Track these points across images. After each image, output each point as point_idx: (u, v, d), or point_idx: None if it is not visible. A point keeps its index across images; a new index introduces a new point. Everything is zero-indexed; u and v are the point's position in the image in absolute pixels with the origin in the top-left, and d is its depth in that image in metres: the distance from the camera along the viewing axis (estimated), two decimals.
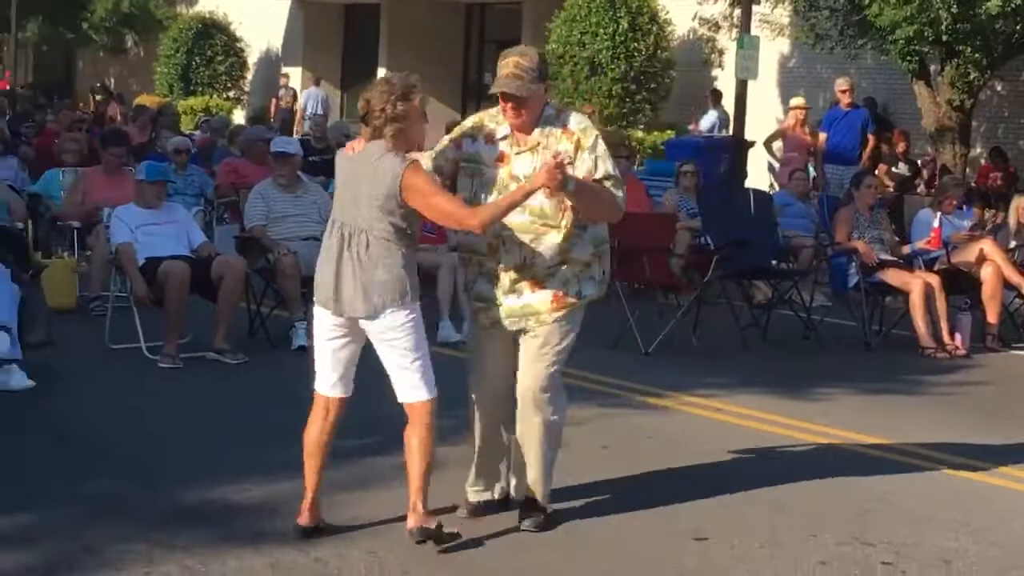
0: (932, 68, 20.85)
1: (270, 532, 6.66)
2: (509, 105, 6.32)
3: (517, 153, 6.43)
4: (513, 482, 6.96)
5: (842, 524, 7.16)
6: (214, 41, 34.79)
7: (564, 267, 6.46)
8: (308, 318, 11.24)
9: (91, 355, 10.72)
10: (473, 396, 6.80)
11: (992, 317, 12.83)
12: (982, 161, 23.09)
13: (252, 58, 35.70)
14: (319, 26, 34.92)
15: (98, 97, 32.56)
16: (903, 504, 7.62)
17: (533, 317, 6.50)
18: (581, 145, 6.36)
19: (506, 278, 6.49)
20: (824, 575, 6.42)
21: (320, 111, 28.52)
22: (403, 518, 6.49)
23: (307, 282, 11.35)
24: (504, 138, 6.46)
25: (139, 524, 6.70)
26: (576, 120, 6.47)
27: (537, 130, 6.41)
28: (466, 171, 6.54)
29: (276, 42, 35.96)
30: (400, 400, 6.34)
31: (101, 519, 6.79)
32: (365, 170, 6.19)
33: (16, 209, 12.36)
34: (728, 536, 6.86)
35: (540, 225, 6.39)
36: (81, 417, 9.02)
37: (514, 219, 6.34)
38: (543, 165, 6.17)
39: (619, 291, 11.78)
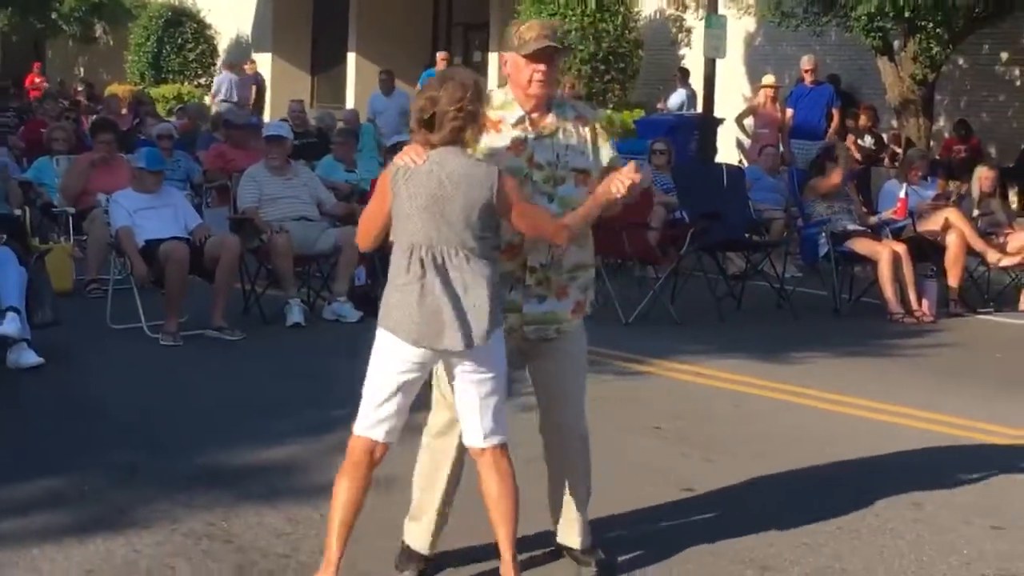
0: (895, 44, 21.30)
1: (284, 490, 7.10)
2: (543, 70, 5.65)
3: (536, 138, 5.75)
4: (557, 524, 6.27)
5: (814, 471, 7.67)
6: (184, 29, 34.94)
7: (582, 272, 5.91)
8: (300, 295, 11.88)
9: (95, 335, 11.13)
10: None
11: (953, 282, 13.36)
12: (946, 134, 23.57)
13: (222, 45, 35.92)
14: (288, 11, 35.16)
15: (80, 88, 32.75)
16: (871, 452, 8.14)
17: (555, 326, 5.87)
18: (600, 135, 5.87)
19: (531, 279, 5.78)
20: (806, 520, 6.87)
21: (234, 97, 28.64)
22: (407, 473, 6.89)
23: (299, 261, 11.86)
24: (517, 123, 5.75)
25: (160, 487, 7.11)
26: (584, 107, 6.04)
27: (552, 113, 5.80)
28: None
29: (246, 28, 36.19)
30: (471, 444, 5.62)
31: (124, 484, 7.22)
32: (452, 181, 5.40)
33: (13, 196, 12.76)
34: (713, 489, 7.33)
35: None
36: (91, 392, 9.46)
37: None
38: (624, 175, 5.60)
39: (599, 265, 12.25)
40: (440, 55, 28.13)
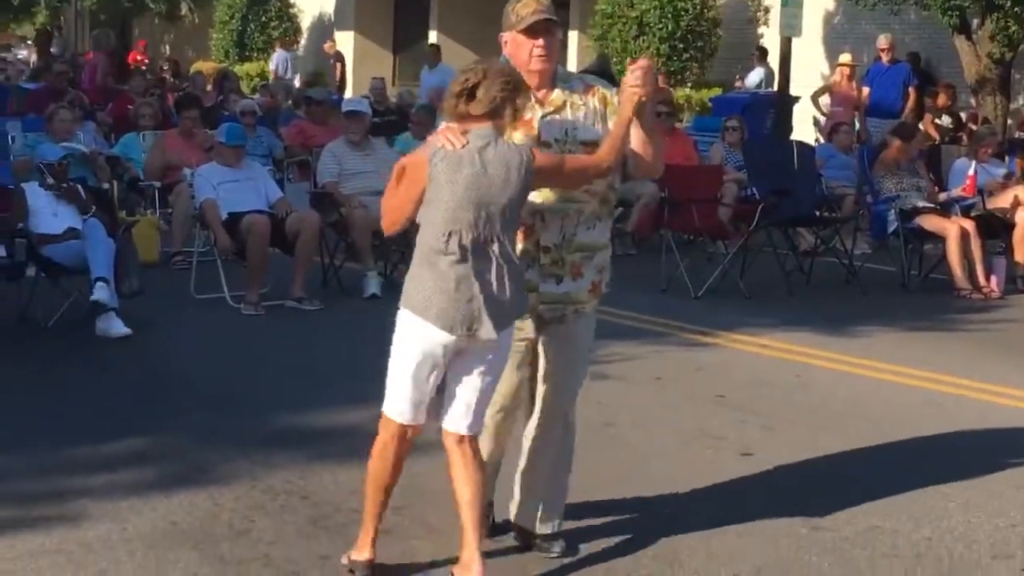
0: (974, 22, 21.31)
1: (357, 451, 7.31)
2: (542, 44, 5.61)
3: (543, 116, 5.66)
4: (516, 502, 6.20)
5: (870, 437, 7.94)
6: (268, 7, 35.33)
7: (596, 252, 5.81)
8: (378, 269, 12.20)
9: (179, 304, 11.54)
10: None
11: (1021, 258, 13.44)
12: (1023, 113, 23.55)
13: (305, 23, 36.32)
14: None
15: (165, 67, 33.25)
16: (927, 421, 8.36)
17: (572, 306, 5.79)
18: (610, 102, 5.77)
19: (546, 259, 5.69)
20: (856, 485, 7.11)
21: (288, 74, 28.96)
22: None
23: (376, 235, 12.18)
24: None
25: (239, 447, 7.48)
26: (593, 79, 5.98)
27: (557, 89, 5.73)
28: None
29: (328, 7, 36.58)
30: (452, 429, 5.60)
31: (205, 443, 7.59)
32: (493, 165, 5.33)
33: (101, 170, 13.20)
34: (771, 454, 7.58)
35: (583, 191, 5.70)
36: (176, 359, 9.86)
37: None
38: (630, 72, 5.57)
39: (670, 240, 12.56)
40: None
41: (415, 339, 5.44)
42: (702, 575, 5.86)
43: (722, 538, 6.25)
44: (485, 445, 5.80)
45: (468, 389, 5.54)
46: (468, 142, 5.34)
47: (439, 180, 5.31)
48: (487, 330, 5.34)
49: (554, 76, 5.73)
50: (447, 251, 5.29)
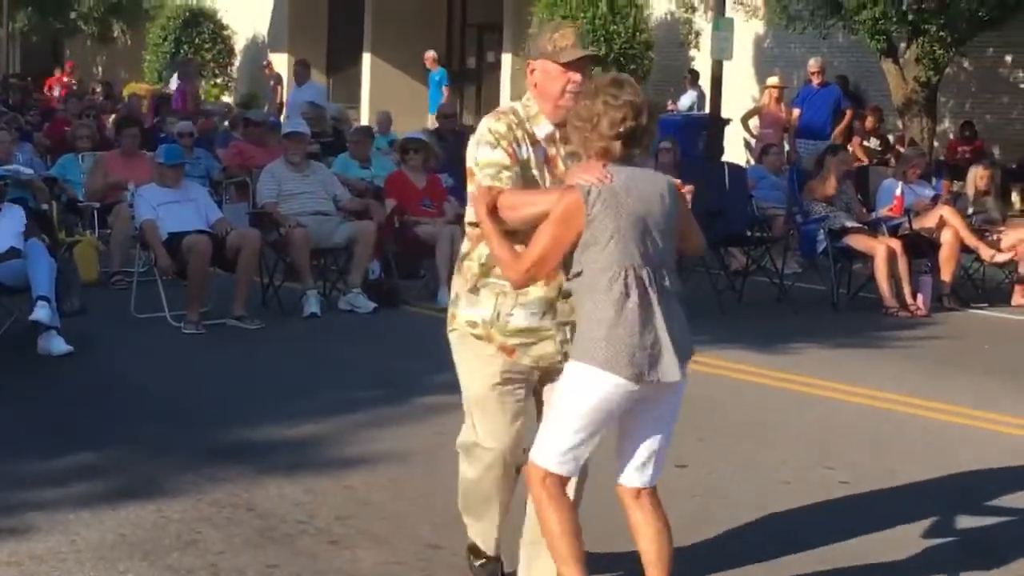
0: (901, 46, 21.70)
1: (302, 464, 7.59)
2: (579, 80, 5.24)
3: (568, 155, 5.35)
4: (523, 561, 5.80)
5: (807, 452, 8.17)
6: (201, 29, 35.42)
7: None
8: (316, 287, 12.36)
9: (120, 323, 11.64)
10: (483, 460, 5.61)
11: (947, 277, 13.77)
12: (951, 136, 24.00)
13: (239, 45, 36.42)
14: (304, 12, 35.64)
15: (98, 88, 33.19)
16: (858, 436, 8.63)
17: (569, 347, 5.27)
18: None
19: (565, 306, 5.32)
20: (789, 493, 7.34)
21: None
22: (425, 446, 7.41)
23: (315, 254, 12.37)
24: (548, 138, 5.35)
25: (186, 461, 7.60)
26: None
27: None
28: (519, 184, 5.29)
29: (262, 28, 36.70)
30: (630, 484, 5.25)
31: (151, 458, 7.71)
32: (651, 196, 5.01)
33: (40, 191, 13.26)
34: (705, 463, 7.81)
35: None
36: (120, 376, 9.98)
37: None
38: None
39: None
40: (429, 55, 28.57)
41: (597, 394, 4.98)
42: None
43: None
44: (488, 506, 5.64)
45: (651, 440, 5.19)
46: (613, 176, 4.97)
47: (599, 218, 4.94)
48: (673, 372, 4.97)
49: None
50: (619, 293, 4.92)
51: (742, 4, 23.67)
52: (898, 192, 14.10)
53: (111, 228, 13.85)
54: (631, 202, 4.95)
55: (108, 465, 7.56)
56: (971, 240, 13.87)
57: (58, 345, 10.21)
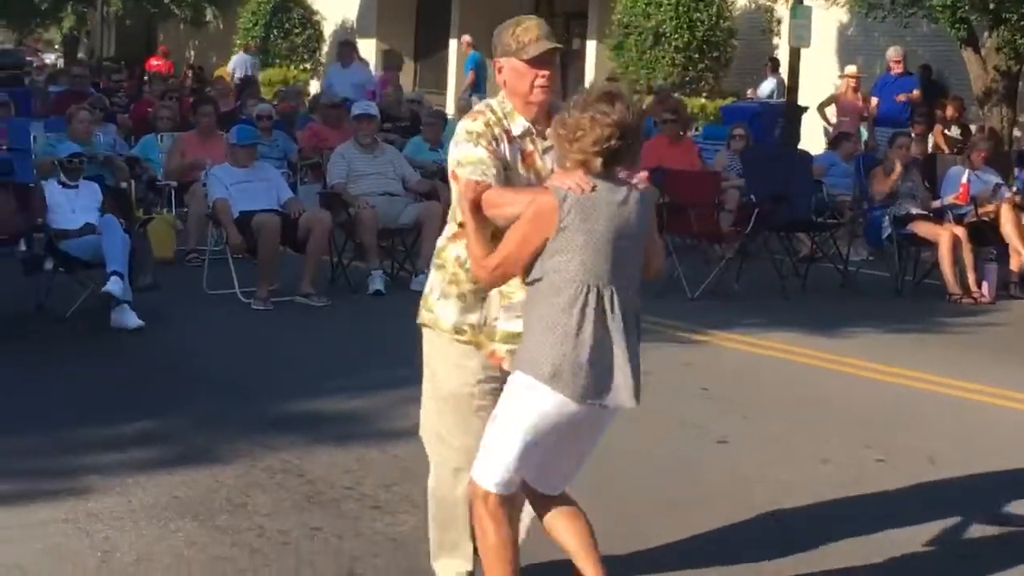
0: (983, 35, 21.59)
1: (354, 435, 7.86)
2: (546, 75, 5.16)
3: (545, 150, 5.23)
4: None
5: (849, 432, 8.31)
6: (291, 14, 35.77)
7: None
8: (383, 267, 12.62)
9: (191, 299, 11.98)
10: (451, 463, 5.50)
11: (1015, 266, 13.77)
12: None
13: (328, 30, 36.76)
14: None
15: (189, 72, 33.68)
16: (901, 417, 8.75)
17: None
18: None
19: (510, 289, 5.20)
20: (827, 473, 7.50)
21: (249, 73, 29.33)
22: None
23: (383, 234, 12.63)
24: (523, 134, 5.23)
25: (242, 431, 7.91)
26: None
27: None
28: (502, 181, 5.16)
29: (351, 14, 37.05)
30: (546, 491, 5.13)
31: (210, 427, 8.03)
32: (630, 211, 4.85)
33: (119, 171, 13.67)
34: (747, 439, 7.98)
35: None
36: (186, 349, 10.32)
37: None
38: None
39: (668, 243, 12.92)
40: (465, 38, 28.75)
41: (537, 411, 4.82)
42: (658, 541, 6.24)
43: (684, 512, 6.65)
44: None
45: (576, 455, 5.09)
46: (597, 186, 4.81)
47: (572, 227, 4.76)
48: (627, 397, 4.83)
49: (552, 106, 5.24)
50: (576, 308, 4.76)
51: None
52: (964, 179, 14.12)
53: (187, 207, 14.19)
54: (606, 215, 4.78)
55: (168, 433, 7.88)
56: (1015, 241, 13.79)
57: (130, 319, 10.54)
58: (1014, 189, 14.96)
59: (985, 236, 13.87)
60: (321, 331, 11.05)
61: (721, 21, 27.26)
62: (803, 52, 21.38)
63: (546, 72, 5.16)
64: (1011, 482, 7.48)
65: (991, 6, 19.40)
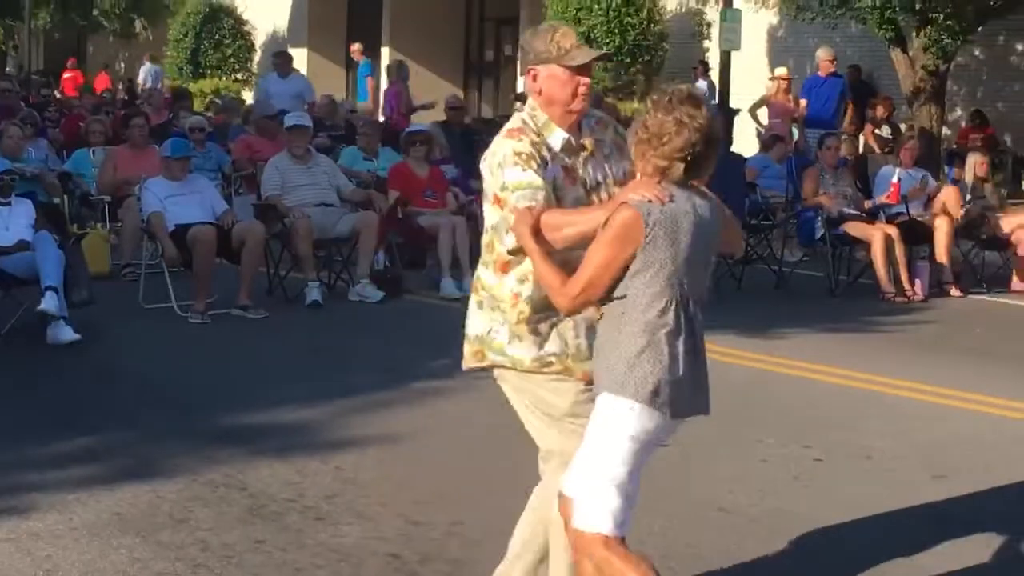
0: (911, 35, 21.80)
1: (295, 446, 7.85)
2: (588, 83, 4.99)
3: (584, 160, 5.05)
4: None
5: (786, 431, 8.41)
6: (221, 25, 35.66)
7: None
8: (320, 278, 12.62)
9: (128, 313, 11.91)
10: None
11: (944, 262, 13.97)
12: (963, 124, 24.11)
13: (259, 40, 36.66)
14: (323, 7, 35.88)
15: (121, 86, 33.56)
16: (837, 415, 8.86)
17: None
18: (619, 132, 5.22)
19: (597, 314, 4.86)
20: (765, 471, 7.58)
21: (158, 85, 29.30)
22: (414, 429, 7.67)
23: (319, 245, 12.64)
24: (564, 147, 5.02)
25: (183, 445, 7.86)
26: (593, 110, 5.28)
27: (585, 128, 5.13)
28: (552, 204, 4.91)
29: (282, 24, 36.97)
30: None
31: (151, 441, 8.00)
32: (708, 221, 4.66)
33: (51, 186, 13.60)
34: (686, 441, 8.00)
35: None
36: (124, 363, 10.27)
37: None
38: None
39: None
40: (355, 47, 28.87)
41: (635, 433, 4.60)
42: None
43: None
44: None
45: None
46: (674, 195, 4.60)
47: (657, 242, 4.54)
48: (706, 406, 4.79)
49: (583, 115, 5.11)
50: (673, 323, 4.57)
51: None
52: (894, 179, 14.28)
53: (121, 221, 14.13)
54: (688, 226, 4.57)
55: (108, 449, 7.84)
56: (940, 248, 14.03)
57: (65, 334, 10.48)
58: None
59: (917, 235, 14.04)
60: (259, 343, 11.03)
61: (652, 25, 27.41)
62: (733, 55, 21.62)
63: (588, 80, 4.98)
64: (946, 475, 7.59)
65: (918, 6, 19.63)
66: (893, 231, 13.69)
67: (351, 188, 13.40)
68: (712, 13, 26.73)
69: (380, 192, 13.69)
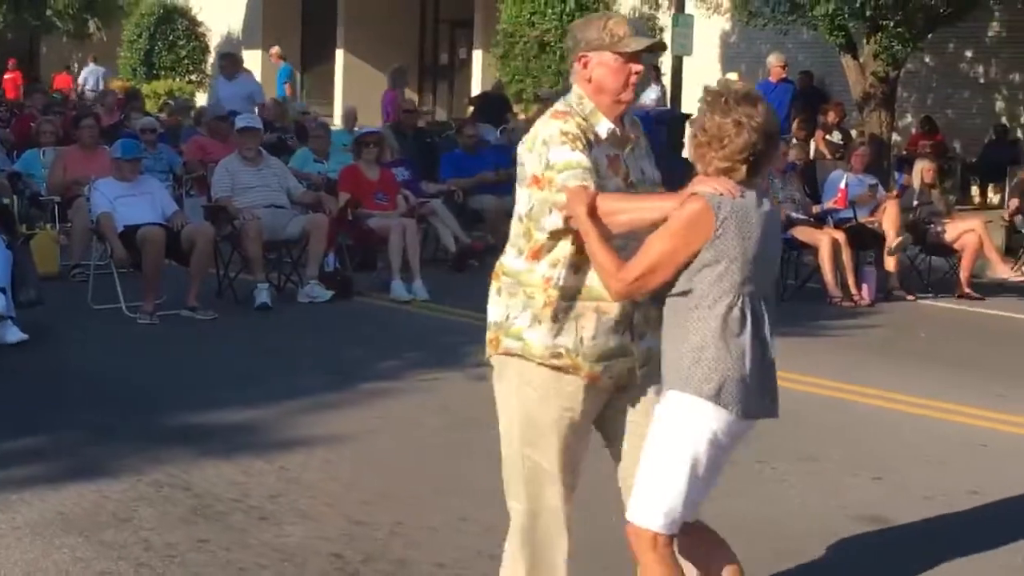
0: (861, 41, 21.94)
1: (241, 447, 7.87)
2: (640, 70, 4.88)
3: (627, 154, 4.92)
4: None
5: None
6: (176, 26, 35.54)
7: None
8: (270, 279, 12.62)
9: (76, 314, 11.90)
10: (550, 504, 5.01)
11: (891, 268, 14.10)
12: (913, 130, 24.30)
13: (213, 42, 36.57)
14: (278, 8, 35.85)
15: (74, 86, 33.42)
16: (780, 420, 8.88)
17: (652, 364, 4.84)
18: (642, 135, 5.11)
19: (638, 316, 4.84)
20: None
21: (100, 87, 29.25)
22: (361, 430, 7.70)
23: (269, 246, 12.64)
24: (609, 137, 4.87)
25: (128, 445, 7.87)
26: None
27: (624, 119, 4.98)
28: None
29: (236, 25, 36.90)
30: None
31: (96, 442, 8.00)
32: (774, 219, 4.64)
33: (1, 187, 13.57)
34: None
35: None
36: (71, 364, 10.24)
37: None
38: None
39: None
40: (273, 50, 28.86)
41: (701, 432, 4.52)
42: None
43: None
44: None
45: (717, 473, 4.72)
46: (744, 192, 4.52)
47: (729, 234, 4.44)
48: (777, 408, 4.71)
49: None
50: (741, 319, 4.48)
51: (704, 0, 23.91)
52: (842, 185, 14.40)
53: (71, 221, 14.09)
54: (758, 222, 4.49)
55: (53, 449, 7.83)
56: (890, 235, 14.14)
57: (13, 334, 10.46)
58: (894, 192, 15.29)
59: (864, 240, 14.16)
60: (207, 345, 11.02)
61: None
62: (685, 60, 21.72)
63: (640, 68, 4.86)
64: (892, 477, 7.70)
65: (868, 13, 19.76)
66: (840, 236, 13.81)
67: (301, 190, 13.43)
68: (664, 18, 26.79)
69: (330, 194, 13.71)
